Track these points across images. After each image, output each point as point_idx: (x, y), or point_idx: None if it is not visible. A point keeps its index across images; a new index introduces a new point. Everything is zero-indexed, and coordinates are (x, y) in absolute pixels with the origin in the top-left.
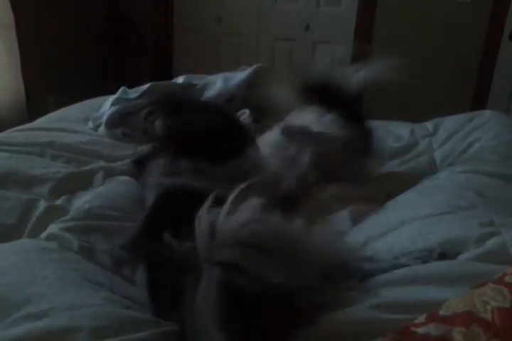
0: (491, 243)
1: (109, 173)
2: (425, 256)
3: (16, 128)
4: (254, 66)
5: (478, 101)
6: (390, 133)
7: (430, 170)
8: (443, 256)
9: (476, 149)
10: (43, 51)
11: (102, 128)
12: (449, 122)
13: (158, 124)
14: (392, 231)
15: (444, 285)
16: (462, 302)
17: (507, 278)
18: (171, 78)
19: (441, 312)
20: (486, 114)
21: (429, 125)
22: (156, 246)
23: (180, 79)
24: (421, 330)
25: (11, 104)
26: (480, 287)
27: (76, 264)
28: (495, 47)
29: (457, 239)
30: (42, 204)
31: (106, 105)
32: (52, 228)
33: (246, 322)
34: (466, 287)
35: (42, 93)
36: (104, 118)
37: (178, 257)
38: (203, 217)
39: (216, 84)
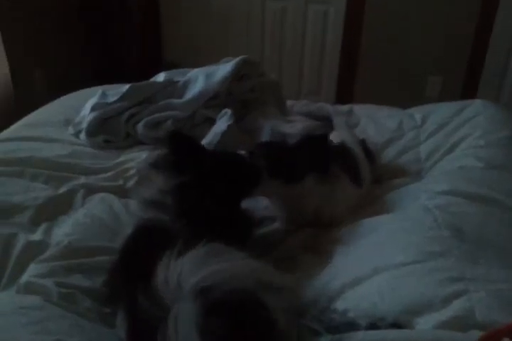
0: (456, 307)
1: (90, 191)
2: (377, 326)
3: None
4: (238, 58)
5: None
6: (377, 124)
7: (415, 166)
8: (396, 326)
9: (463, 149)
10: (27, 24)
11: (82, 135)
12: (439, 113)
13: (140, 128)
14: (366, 279)
15: None
16: None
17: None
18: (161, 62)
19: None
20: (477, 104)
21: (417, 115)
22: (132, 295)
23: (161, 77)
24: None
25: None
26: None
27: (55, 323)
28: (486, 35)
29: (422, 300)
30: (21, 240)
31: (86, 108)
32: (31, 271)
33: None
34: None
35: (28, 67)
36: (84, 125)
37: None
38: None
39: (198, 81)
